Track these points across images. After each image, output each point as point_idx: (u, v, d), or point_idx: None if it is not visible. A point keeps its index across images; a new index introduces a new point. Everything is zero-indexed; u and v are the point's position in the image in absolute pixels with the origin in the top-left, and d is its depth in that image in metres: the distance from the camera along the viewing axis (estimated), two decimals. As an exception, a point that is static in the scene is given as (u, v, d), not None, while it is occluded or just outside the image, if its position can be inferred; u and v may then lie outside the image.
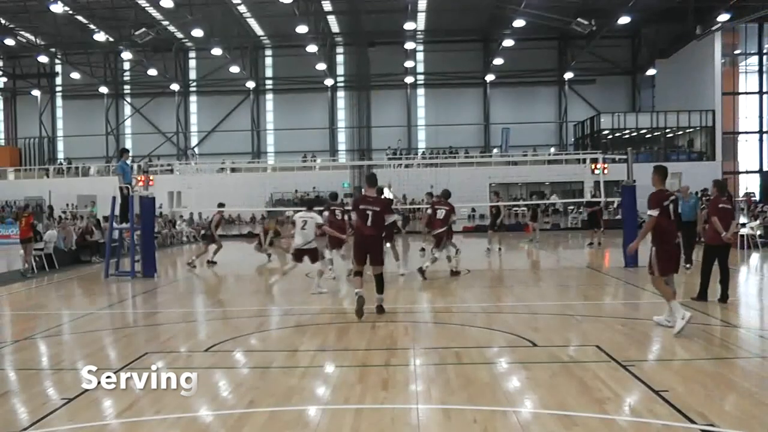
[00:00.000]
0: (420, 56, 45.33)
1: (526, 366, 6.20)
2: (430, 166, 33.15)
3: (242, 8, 37.93)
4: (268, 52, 46.58)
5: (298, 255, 10.99)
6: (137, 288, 12.95)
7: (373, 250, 8.75)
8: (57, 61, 43.00)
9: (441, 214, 13.03)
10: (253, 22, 41.14)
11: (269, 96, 47.23)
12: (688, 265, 14.14)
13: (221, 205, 17.89)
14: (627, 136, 40.30)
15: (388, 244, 13.23)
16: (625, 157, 16.22)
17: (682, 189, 15.14)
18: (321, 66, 41.73)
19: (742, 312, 8.85)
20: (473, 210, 35.56)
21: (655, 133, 40.45)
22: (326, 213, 13.41)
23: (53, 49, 40.55)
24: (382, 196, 13.04)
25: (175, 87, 44.85)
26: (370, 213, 8.63)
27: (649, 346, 7.26)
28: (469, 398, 5.21)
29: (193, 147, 46.41)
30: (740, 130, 39.48)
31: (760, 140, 39.21)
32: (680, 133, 40.65)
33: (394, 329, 8.20)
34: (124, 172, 15.04)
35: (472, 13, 39.06)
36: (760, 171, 38.15)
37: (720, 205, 9.32)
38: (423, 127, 46.06)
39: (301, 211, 11.60)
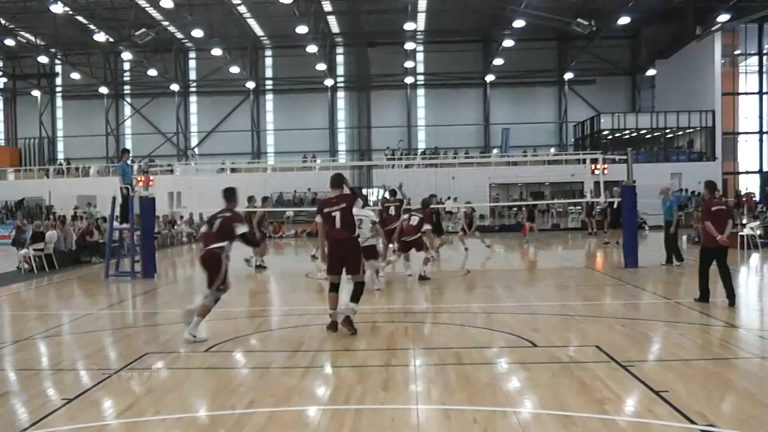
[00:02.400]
0: (420, 56, 45.31)
1: (526, 366, 6.20)
2: (430, 166, 33.20)
3: (242, 8, 37.91)
4: (268, 52, 46.57)
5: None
6: (137, 288, 12.95)
7: (349, 256, 7.72)
8: (57, 61, 42.95)
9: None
10: (253, 23, 41.14)
11: (269, 96, 47.22)
12: (668, 263, 14.26)
13: (264, 199, 17.46)
14: (627, 136, 40.29)
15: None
16: (625, 157, 16.24)
17: (662, 189, 15.37)
18: (321, 66, 41.73)
19: (742, 312, 8.85)
20: (473, 210, 35.51)
21: (655, 134, 40.45)
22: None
23: (53, 50, 40.52)
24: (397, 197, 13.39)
25: (175, 87, 44.83)
26: (337, 214, 7.68)
27: (649, 347, 7.27)
28: (469, 399, 5.21)
29: (193, 147, 46.40)
30: (740, 131, 39.49)
31: (760, 140, 39.22)
32: (680, 133, 40.65)
33: (394, 329, 8.22)
34: (125, 173, 15.06)
35: (472, 13, 39.06)
36: (760, 171, 38.16)
37: (713, 208, 9.24)
38: (423, 128, 46.05)
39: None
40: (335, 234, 7.69)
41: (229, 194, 7.75)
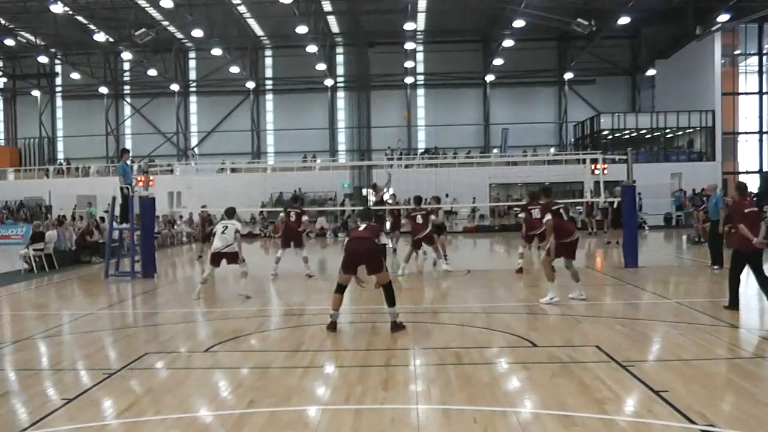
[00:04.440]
0: (420, 56, 45.27)
1: (526, 366, 6.20)
2: (430, 166, 33.19)
3: (242, 8, 37.88)
4: (268, 52, 46.53)
5: (216, 258, 11.06)
6: (137, 288, 12.96)
7: (366, 256, 7.87)
8: (57, 61, 42.91)
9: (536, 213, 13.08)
10: (253, 23, 41.11)
11: (269, 96, 47.17)
12: (715, 267, 13.93)
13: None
14: (627, 136, 40.26)
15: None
16: (624, 157, 16.24)
17: (709, 187, 15.45)
18: (321, 66, 41.70)
19: (742, 312, 8.84)
20: (473, 210, 35.60)
21: (655, 134, 40.41)
22: (282, 214, 14.07)
23: (53, 50, 40.47)
24: (383, 197, 13.54)
25: (175, 87, 44.80)
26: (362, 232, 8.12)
27: (649, 346, 7.27)
28: (469, 398, 5.21)
29: (193, 147, 46.37)
30: (740, 131, 39.46)
31: (760, 140, 39.19)
32: (680, 133, 40.61)
33: (394, 329, 8.21)
34: (125, 173, 15.07)
35: (472, 13, 39.02)
36: (760, 171, 38.13)
37: (746, 210, 8.81)
38: (423, 128, 46.03)
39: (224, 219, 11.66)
40: (356, 233, 8.05)
41: (547, 192, 10.60)
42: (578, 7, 33.94)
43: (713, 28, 33.67)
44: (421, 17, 39.82)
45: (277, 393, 5.51)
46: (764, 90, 38.74)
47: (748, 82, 39.12)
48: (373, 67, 42.27)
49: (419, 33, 42.58)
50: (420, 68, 45.45)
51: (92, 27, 37.19)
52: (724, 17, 32.14)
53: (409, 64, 43.97)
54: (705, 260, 16.62)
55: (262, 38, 44.28)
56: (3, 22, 36.65)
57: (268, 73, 46.72)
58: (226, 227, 11.07)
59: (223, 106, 46.28)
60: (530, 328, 7.92)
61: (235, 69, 41.41)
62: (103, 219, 21.14)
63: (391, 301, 7.89)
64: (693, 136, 40.09)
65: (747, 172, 39.62)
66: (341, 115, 45.82)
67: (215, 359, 6.90)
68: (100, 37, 36.86)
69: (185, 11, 34.01)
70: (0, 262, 19.14)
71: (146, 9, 36.04)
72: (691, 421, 4.53)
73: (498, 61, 42.57)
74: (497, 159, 38.89)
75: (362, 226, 8.17)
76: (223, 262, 11.05)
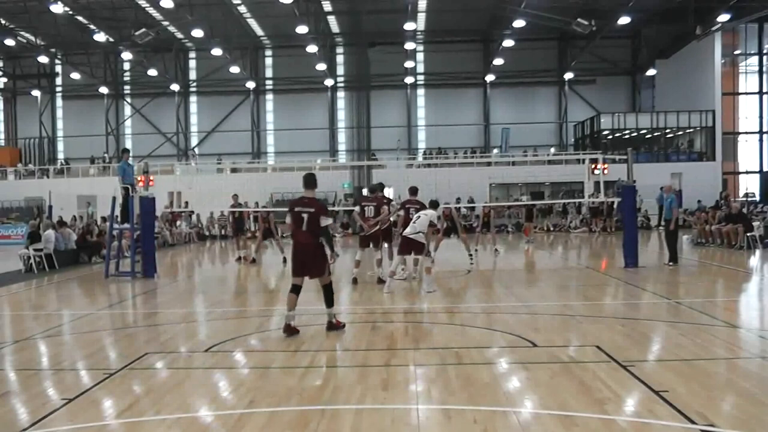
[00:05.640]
0: (420, 56, 45.25)
1: (526, 366, 6.20)
2: (430, 166, 33.20)
3: (242, 8, 37.90)
4: (268, 52, 46.52)
5: (405, 244, 11.36)
6: (137, 288, 12.95)
7: (311, 260, 7.77)
8: (57, 61, 42.92)
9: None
10: (253, 23, 41.11)
11: (269, 96, 47.16)
12: (671, 264, 14.37)
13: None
14: (627, 136, 40.25)
15: (386, 245, 13.09)
16: (625, 157, 16.26)
17: (665, 187, 15.53)
18: (321, 66, 41.69)
19: (742, 312, 8.84)
20: (472, 210, 35.61)
21: (655, 134, 40.41)
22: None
23: (53, 50, 40.46)
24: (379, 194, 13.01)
25: (175, 87, 44.79)
26: (305, 216, 7.69)
27: (649, 346, 7.27)
28: (470, 398, 5.21)
29: (194, 147, 46.36)
30: (740, 131, 39.46)
31: (760, 140, 39.18)
32: (680, 133, 40.61)
33: (394, 329, 8.22)
34: (125, 173, 15.07)
35: (472, 13, 39.03)
36: (760, 171, 38.13)
37: None
38: (423, 128, 46.02)
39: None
40: (301, 237, 7.76)
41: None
42: (578, 7, 33.93)
43: (713, 28, 33.66)
44: (421, 17, 39.81)
45: (277, 393, 5.51)
46: (764, 90, 38.73)
47: (748, 82, 39.11)
48: (373, 67, 42.21)
49: (419, 33, 42.58)
50: (420, 68, 45.43)
51: (92, 27, 37.20)
52: (724, 17, 32.13)
53: (409, 64, 43.95)
54: (705, 260, 16.67)
55: (262, 38, 44.29)
56: (3, 22, 36.64)
57: (268, 73, 46.72)
58: (419, 217, 11.15)
59: (223, 106, 46.28)
60: (530, 328, 7.92)
61: (235, 69, 41.41)
62: (105, 219, 21.14)
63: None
64: (693, 136, 40.09)
65: (747, 172, 39.64)
66: (341, 115, 45.82)
67: (215, 359, 6.90)
68: (100, 37, 36.87)
69: (185, 11, 34.01)
70: (0, 262, 19.15)
71: (146, 9, 36.05)
72: (691, 421, 4.53)
73: (498, 61, 42.56)
74: (497, 159, 38.89)
75: (305, 222, 7.87)
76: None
